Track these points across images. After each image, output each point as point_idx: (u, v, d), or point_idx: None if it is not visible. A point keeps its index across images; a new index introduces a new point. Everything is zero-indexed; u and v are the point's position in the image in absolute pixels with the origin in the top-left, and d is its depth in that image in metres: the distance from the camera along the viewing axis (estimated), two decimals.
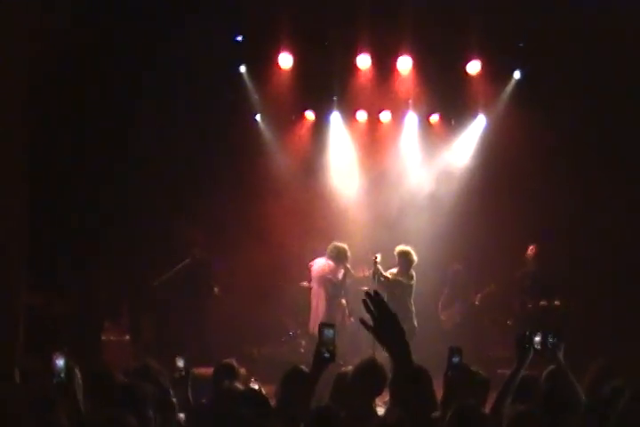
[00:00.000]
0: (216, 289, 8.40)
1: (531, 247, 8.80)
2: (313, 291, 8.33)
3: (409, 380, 2.14)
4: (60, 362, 3.36)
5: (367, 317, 2.19)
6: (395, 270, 7.81)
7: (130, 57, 8.09)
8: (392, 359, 2.20)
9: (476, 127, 9.81)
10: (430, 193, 9.72)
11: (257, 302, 9.04)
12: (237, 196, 9.16)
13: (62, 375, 3.36)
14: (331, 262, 8.23)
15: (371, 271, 8.12)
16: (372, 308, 2.14)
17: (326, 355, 2.75)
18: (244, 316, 8.97)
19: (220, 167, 9.10)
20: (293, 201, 9.37)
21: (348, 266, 8.28)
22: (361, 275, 8.69)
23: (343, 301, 8.40)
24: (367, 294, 2.21)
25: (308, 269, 8.43)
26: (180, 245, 8.34)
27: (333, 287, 8.25)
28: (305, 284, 8.91)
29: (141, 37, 7.93)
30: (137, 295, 8.39)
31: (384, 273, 7.72)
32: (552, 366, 3.71)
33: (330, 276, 8.26)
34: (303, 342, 8.66)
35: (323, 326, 2.79)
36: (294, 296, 8.95)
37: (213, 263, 8.47)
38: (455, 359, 3.27)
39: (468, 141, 9.85)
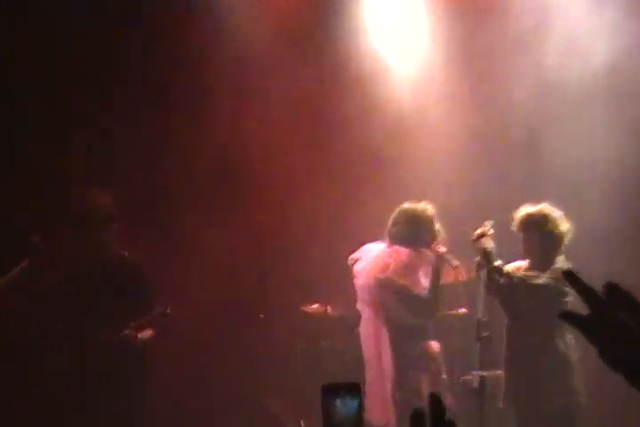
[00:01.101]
0: (144, 334, 6.14)
1: None
2: (363, 319, 6.17)
3: None
4: None
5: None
6: (523, 264, 5.72)
7: None
8: None
9: None
10: (606, 76, 6.83)
11: (212, 357, 7.17)
12: (174, 113, 7.18)
13: None
14: (401, 249, 5.81)
15: (470, 271, 6.01)
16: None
17: None
18: (187, 386, 7.06)
19: (129, 53, 7.12)
20: (293, 113, 7.30)
21: (443, 250, 5.77)
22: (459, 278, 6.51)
23: (434, 344, 5.90)
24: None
25: (350, 268, 6.20)
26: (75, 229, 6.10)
27: (411, 307, 5.86)
28: (315, 307, 7.09)
29: None
30: None
31: (498, 264, 5.48)
32: None
33: (397, 279, 5.84)
34: None
35: (329, 391, 2.02)
36: (288, 340, 7.12)
37: (147, 275, 6.11)
38: None
39: None
